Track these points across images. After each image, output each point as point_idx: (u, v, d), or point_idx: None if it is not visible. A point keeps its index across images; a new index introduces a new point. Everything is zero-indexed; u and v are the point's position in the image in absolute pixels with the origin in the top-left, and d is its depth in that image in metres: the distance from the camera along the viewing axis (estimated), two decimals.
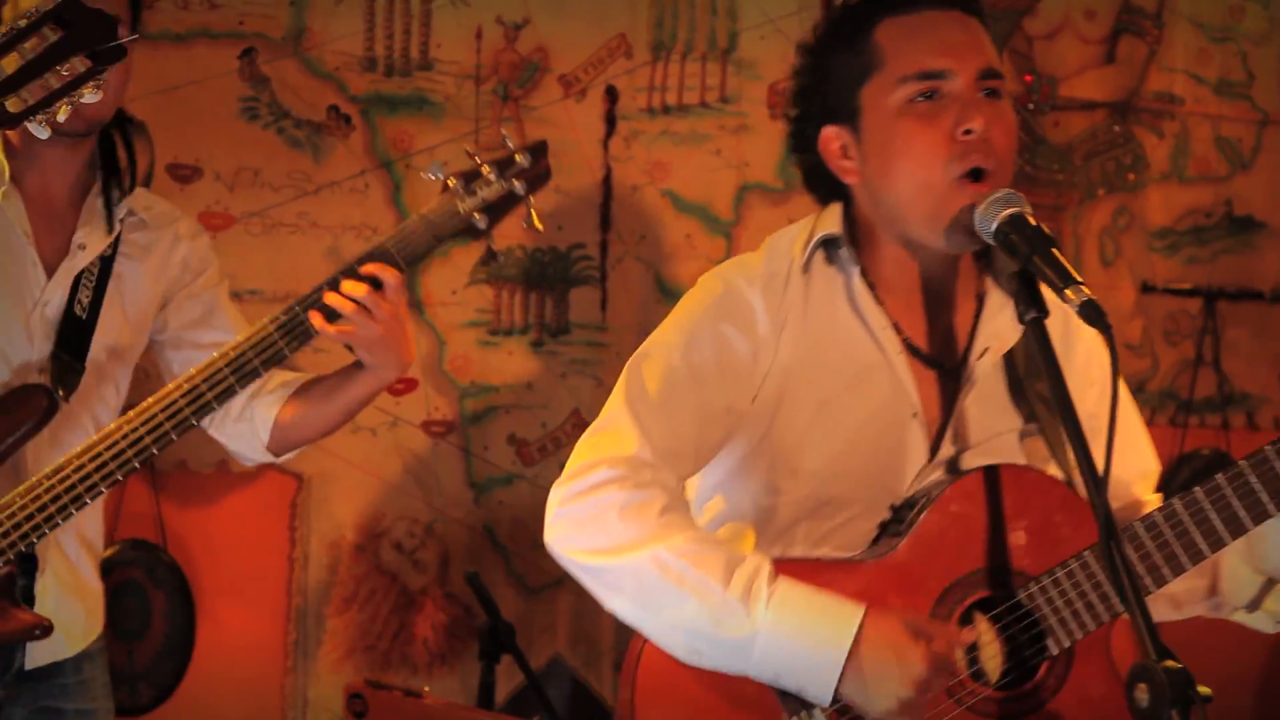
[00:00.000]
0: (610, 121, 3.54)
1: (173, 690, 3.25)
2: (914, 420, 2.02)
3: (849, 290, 2.04)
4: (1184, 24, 3.85)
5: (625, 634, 3.53)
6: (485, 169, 2.43)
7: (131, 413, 2.36)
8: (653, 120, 3.56)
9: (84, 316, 2.50)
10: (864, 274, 2.04)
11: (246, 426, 2.60)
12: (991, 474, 1.97)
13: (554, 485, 1.99)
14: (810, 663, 1.85)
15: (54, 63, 1.77)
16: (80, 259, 2.51)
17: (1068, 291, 1.71)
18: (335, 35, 3.36)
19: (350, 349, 2.49)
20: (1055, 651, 1.93)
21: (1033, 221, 1.81)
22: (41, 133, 1.84)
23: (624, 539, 1.91)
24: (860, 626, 1.85)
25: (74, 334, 2.49)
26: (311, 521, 3.40)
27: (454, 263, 3.46)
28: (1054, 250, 1.76)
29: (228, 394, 2.38)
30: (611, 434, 2.00)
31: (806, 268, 2.05)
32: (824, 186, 2.10)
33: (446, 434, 3.48)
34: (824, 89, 2.05)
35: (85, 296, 2.50)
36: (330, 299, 2.35)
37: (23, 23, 1.74)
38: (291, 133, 3.34)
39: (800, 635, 1.85)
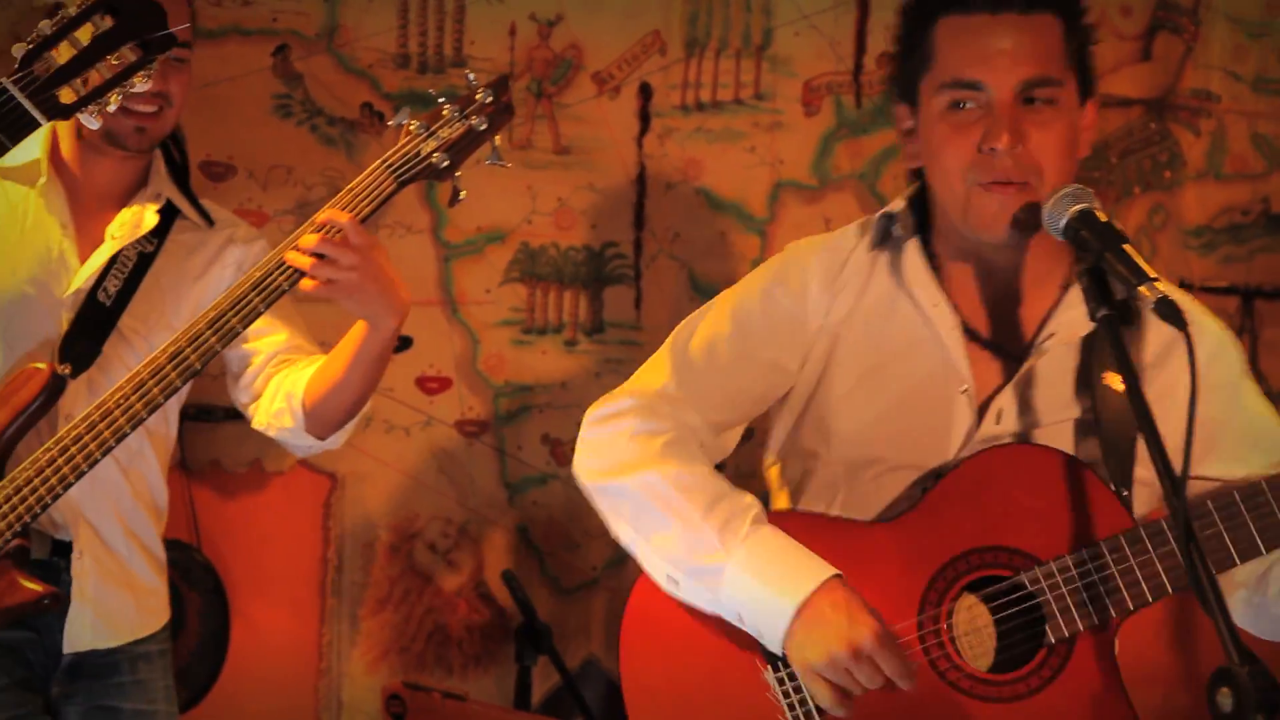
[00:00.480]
0: (644, 119, 3.51)
1: (207, 691, 3.23)
2: (963, 396, 2.01)
3: (904, 266, 2.06)
4: (1221, 20, 3.81)
5: None
6: (445, 110, 2.40)
7: (122, 380, 2.37)
8: (687, 117, 3.54)
9: (108, 304, 2.51)
10: (929, 254, 2.06)
11: (283, 408, 2.58)
12: (1015, 453, 1.96)
13: (588, 409, 2.13)
14: (767, 606, 1.90)
15: (105, 52, 1.76)
16: (106, 247, 2.53)
17: (1141, 289, 1.69)
18: (368, 32, 3.33)
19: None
20: (1052, 640, 1.91)
21: (1103, 217, 1.79)
22: (92, 123, 1.83)
23: (625, 460, 2.02)
24: (822, 584, 1.88)
25: (94, 318, 2.50)
26: (345, 521, 3.38)
27: (488, 261, 3.44)
28: (1126, 246, 1.73)
29: (209, 353, 2.36)
30: (647, 370, 2.15)
31: (874, 245, 2.09)
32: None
33: (480, 434, 3.45)
34: (901, 66, 2.08)
35: (113, 285, 2.52)
36: (289, 258, 2.33)
37: (74, 11, 1.73)
38: (324, 130, 3.31)
39: (763, 577, 1.90)
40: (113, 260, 2.52)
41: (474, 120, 2.37)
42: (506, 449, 3.47)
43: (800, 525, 1.96)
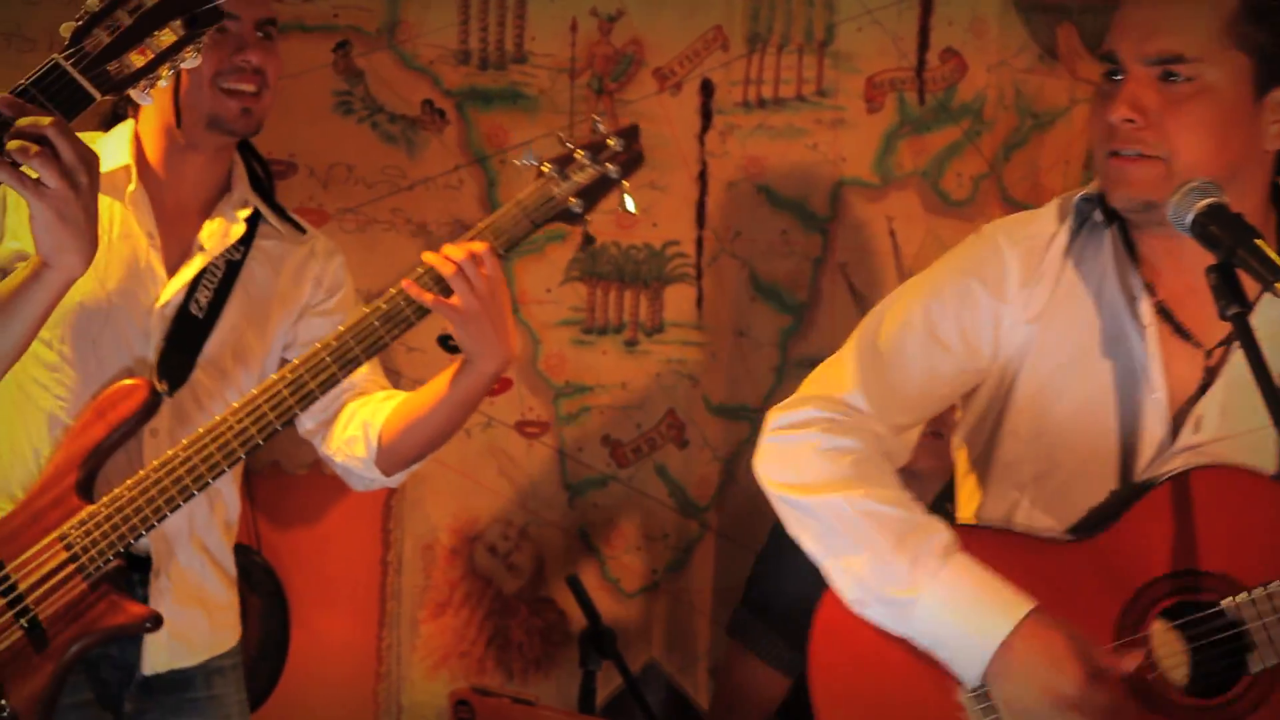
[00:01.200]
0: (706, 115, 3.46)
1: (267, 695, 3.19)
2: (1154, 398, 1.94)
3: (1105, 256, 2.00)
4: None
5: (721, 641, 3.49)
6: (578, 154, 2.46)
7: (236, 404, 2.35)
8: (748, 114, 3.49)
9: (200, 316, 2.48)
10: (1128, 243, 1.99)
11: (357, 436, 2.56)
12: (1218, 475, 1.88)
13: (770, 411, 2.05)
14: (963, 644, 1.85)
15: (152, 28, 1.75)
16: (199, 259, 2.49)
17: (1278, 285, 1.63)
18: (430, 28, 3.29)
19: (452, 346, 2.46)
20: (1256, 669, 1.84)
21: (1232, 211, 1.73)
22: (145, 99, 1.80)
23: (814, 479, 1.95)
24: (1021, 622, 1.82)
25: (187, 332, 2.47)
26: (405, 524, 3.34)
27: (549, 260, 3.39)
28: (1258, 241, 1.68)
29: (330, 382, 2.37)
30: (833, 371, 2.04)
31: (1074, 232, 2.02)
32: None
33: (540, 435, 3.41)
34: None
35: (204, 297, 2.48)
36: (429, 257, 2.36)
37: None
38: (385, 127, 3.27)
39: (958, 615, 1.85)
40: (202, 270, 2.49)
41: (608, 167, 2.44)
42: (567, 450, 3.42)
43: (991, 545, 1.90)
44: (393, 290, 2.40)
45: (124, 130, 2.50)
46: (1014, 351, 2.00)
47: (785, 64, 3.49)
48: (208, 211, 2.52)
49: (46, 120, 1.72)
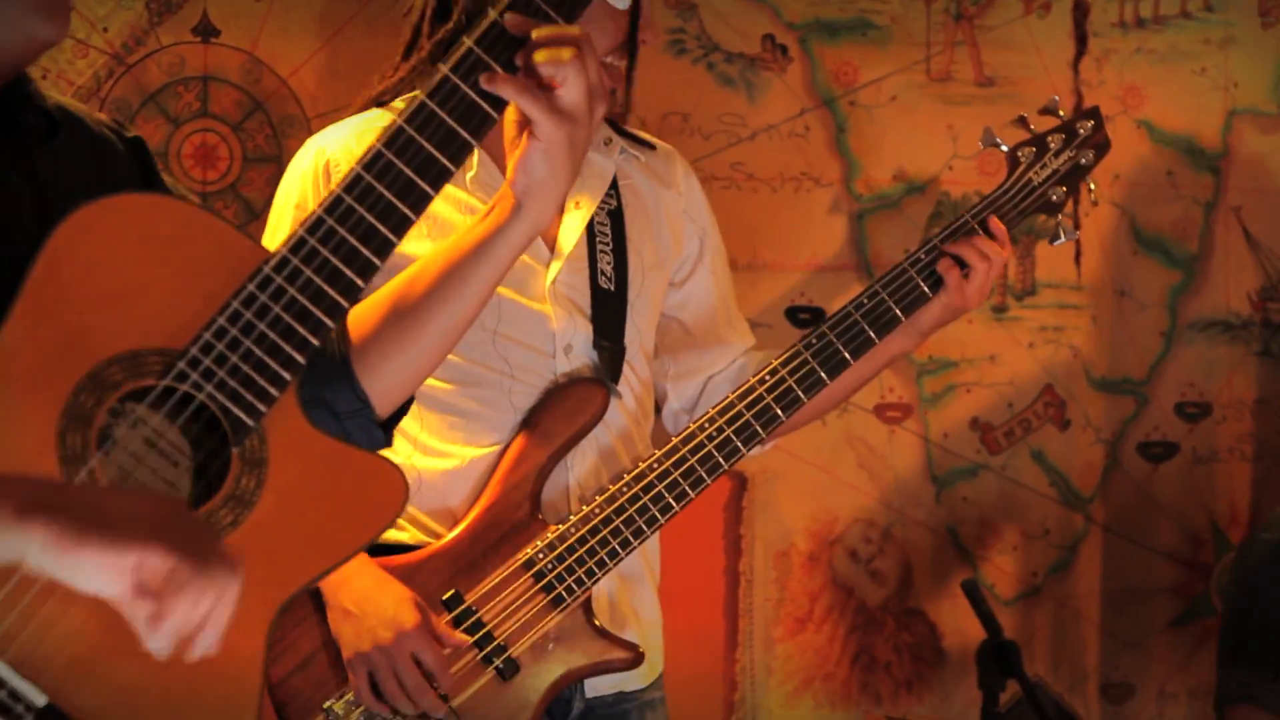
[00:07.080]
0: (1080, 40, 2.96)
1: None
2: None
3: None
4: None
5: (1112, 653, 3.00)
6: (1052, 139, 2.23)
7: (712, 410, 2.04)
8: (1126, 36, 2.98)
9: (611, 288, 2.06)
10: None
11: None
12: None
13: None
14: None
15: None
16: (579, 215, 2.04)
17: None
18: None
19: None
20: None
21: None
22: (622, 3, 1.58)
23: None
24: None
25: (607, 311, 2.06)
26: (756, 528, 2.88)
27: (906, 216, 2.92)
28: None
29: (816, 385, 2.06)
30: None
31: None
32: None
33: (903, 419, 2.94)
34: None
35: (607, 264, 2.05)
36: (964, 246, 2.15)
37: None
38: (722, 68, 2.81)
39: None
40: (590, 233, 2.05)
41: (1085, 154, 2.23)
42: (931, 436, 2.95)
43: None
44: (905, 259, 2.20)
45: None
46: None
47: None
48: None
49: (574, 29, 1.30)
